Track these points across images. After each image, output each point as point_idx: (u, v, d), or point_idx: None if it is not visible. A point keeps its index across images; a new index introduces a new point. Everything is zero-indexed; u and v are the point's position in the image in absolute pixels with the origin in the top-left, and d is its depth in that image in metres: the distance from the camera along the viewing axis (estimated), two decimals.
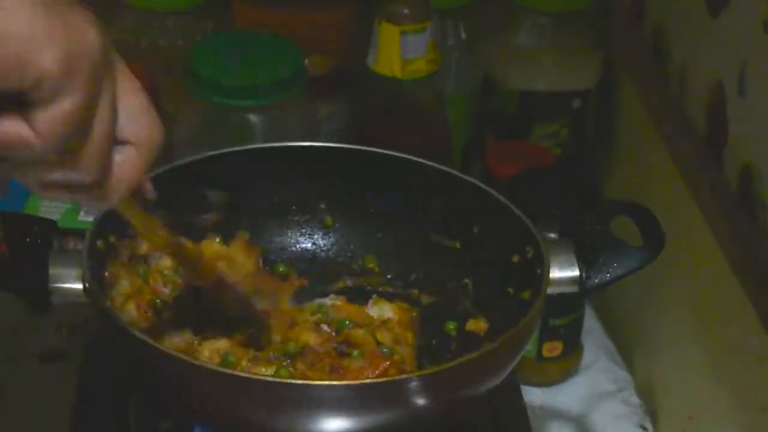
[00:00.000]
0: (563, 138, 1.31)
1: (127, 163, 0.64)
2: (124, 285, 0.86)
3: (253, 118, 1.17)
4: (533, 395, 1.13)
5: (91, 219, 1.07)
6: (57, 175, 0.61)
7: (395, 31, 1.17)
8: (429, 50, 1.19)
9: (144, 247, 0.89)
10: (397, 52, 1.17)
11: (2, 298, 1.02)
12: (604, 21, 1.32)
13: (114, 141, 0.63)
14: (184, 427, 0.86)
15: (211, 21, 1.30)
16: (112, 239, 0.86)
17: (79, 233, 0.87)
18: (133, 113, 0.64)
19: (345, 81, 1.27)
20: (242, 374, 0.76)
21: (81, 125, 0.59)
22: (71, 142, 0.59)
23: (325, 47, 1.27)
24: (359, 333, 0.86)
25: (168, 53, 1.25)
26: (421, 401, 0.76)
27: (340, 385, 0.76)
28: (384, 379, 0.80)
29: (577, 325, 1.18)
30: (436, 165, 0.92)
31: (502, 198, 0.89)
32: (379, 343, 0.85)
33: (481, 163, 1.24)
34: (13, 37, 0.55)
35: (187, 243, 0.85)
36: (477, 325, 0.90)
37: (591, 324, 1.23)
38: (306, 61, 1.20)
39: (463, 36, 1.28)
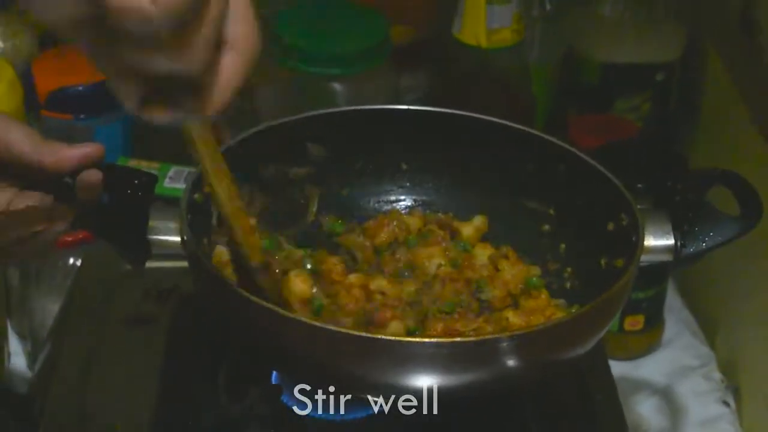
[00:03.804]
0: (645, 112, 1.29)
1: (229, 66, 0.64)
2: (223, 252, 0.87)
3: (337, 86, 1.18)
4: (615, 368, 1.12)
5: (177, 186, 1.08)
6: (163, 64, 0.60)
7: (481, 0, 1.16)
8: (514, 20, 1.18)
9: None
10: (483, 22, 1.17)
11: (92, 263, 1.03)
12: None
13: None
14: (272, 391, 0.87)
15: None
16: (208, 190, 0.87)
17: (165, 199, 0.87)
18: (236, 14, 0.63)
19: (428, 51, 1.27)
20: (334, 328, 0.76)
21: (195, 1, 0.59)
22: (186, 16, 0.59)
23: (409, 17, 1.27)
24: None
25: None
26: (510, 362, 0.76)
27: (431, 342, 0.76)
28: (475, 338, 0.80)
29: (659, 300, 1.17)
30: (530, 130, 0.92)
31: (597, 165, 0.88)
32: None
33: (564, 135, 1.23)
34: None
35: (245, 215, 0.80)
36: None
37: (673, 300, 1.23)
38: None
39: (548, 7, 1.28)
